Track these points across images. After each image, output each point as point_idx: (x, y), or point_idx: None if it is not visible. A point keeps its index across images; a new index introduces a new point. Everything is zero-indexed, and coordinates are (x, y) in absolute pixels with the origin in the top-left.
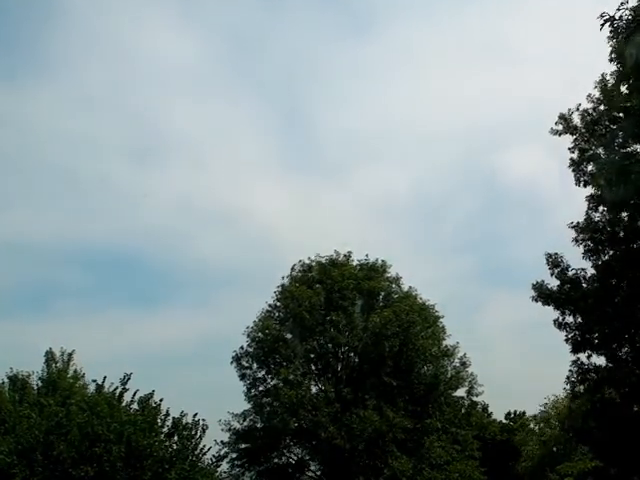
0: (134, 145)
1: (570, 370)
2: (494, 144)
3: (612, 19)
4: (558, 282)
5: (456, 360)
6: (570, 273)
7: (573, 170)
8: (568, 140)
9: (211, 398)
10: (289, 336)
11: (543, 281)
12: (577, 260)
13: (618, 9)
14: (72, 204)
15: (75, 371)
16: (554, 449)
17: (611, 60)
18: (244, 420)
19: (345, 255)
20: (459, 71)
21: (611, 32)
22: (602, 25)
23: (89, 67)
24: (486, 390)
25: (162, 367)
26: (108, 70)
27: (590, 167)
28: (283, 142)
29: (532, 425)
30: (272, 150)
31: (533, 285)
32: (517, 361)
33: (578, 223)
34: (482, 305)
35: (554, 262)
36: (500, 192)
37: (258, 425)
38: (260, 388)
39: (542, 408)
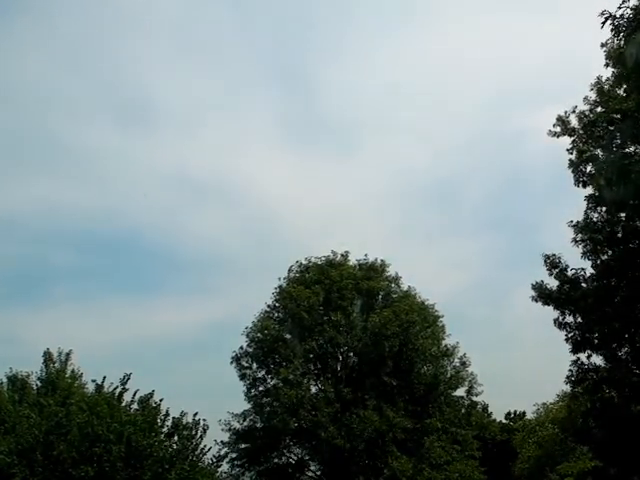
0: (126, 117)
1: (570, 370)
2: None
3: (613, 17)
4: (557, 282)
5: (456, 360)
6: (570, 273)
7: (572, 171)
8: (567, 141)
9: (211, 398)
10: (288, 336)
11: (542, 281)
12: (576, 259)
13: (619, 7)
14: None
15: (73, 371)
16: (550, 450)
17: (607, 65)
18: (244, 420)
19: (342, 255)
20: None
21: (612, 30)
22: (603, 23)
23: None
24: (499, 389)
25: (161, 357)
26: (93, 23)
27: (589, 168)
28: (283, 110)
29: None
30: (271, 122)
31: (533, 285)
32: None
33: (577, 223)
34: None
35: (552, 263)
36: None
37: (258, 425)
38: (260, 388)
39: (535, 415)
